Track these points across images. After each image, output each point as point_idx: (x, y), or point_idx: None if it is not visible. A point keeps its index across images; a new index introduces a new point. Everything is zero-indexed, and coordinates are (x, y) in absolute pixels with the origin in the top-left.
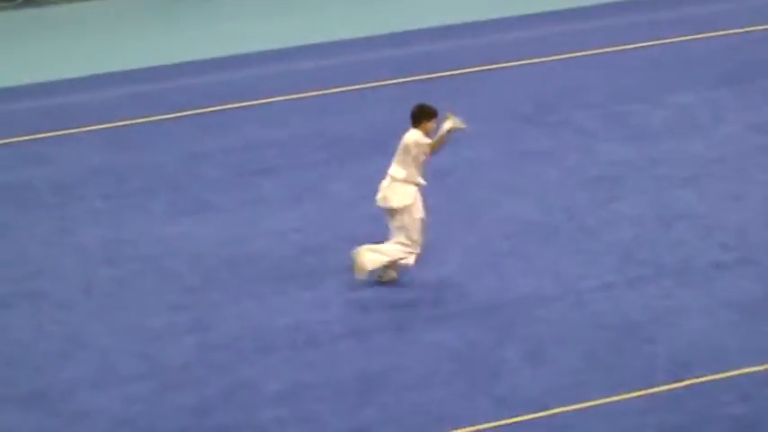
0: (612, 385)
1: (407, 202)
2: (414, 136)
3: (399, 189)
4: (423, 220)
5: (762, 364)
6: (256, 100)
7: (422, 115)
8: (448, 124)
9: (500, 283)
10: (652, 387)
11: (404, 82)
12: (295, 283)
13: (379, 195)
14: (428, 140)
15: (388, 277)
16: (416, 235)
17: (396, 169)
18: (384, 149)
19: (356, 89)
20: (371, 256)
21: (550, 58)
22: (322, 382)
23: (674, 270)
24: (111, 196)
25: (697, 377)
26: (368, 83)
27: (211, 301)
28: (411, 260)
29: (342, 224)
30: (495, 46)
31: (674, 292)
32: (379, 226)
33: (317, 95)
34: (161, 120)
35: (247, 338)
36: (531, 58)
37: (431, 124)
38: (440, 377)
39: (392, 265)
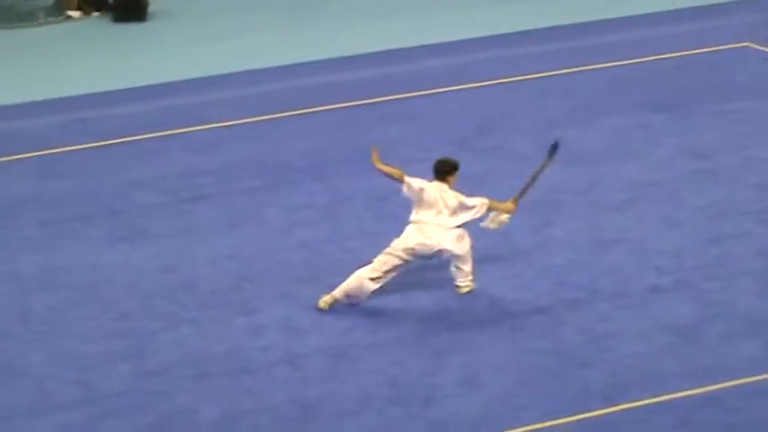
0: (548, 410)
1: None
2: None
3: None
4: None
5: (698, 387)
6: (191, 126)
7: (445, 170)
8: (505, 218)
9: (435, 308)
10: (588, 411)
11: (339, 108)
12: (230, 310)
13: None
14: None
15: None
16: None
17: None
18: (319, 176)
19: (292, 115)
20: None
21: (484, 84)
22: (258, 409)
23: (609, 294)
24: (46, 224)
25: (633, 401)
26: (304, 109)
27: (147, 328)
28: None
29: (277, 251)
30: (428, 71)
31: (610, 315)
32: (312, 253)
33: (252, 122)
34: (96, 147)
35: (183, 365)
36: (464, 84)
37: (453, 178)
38: (375, 403)
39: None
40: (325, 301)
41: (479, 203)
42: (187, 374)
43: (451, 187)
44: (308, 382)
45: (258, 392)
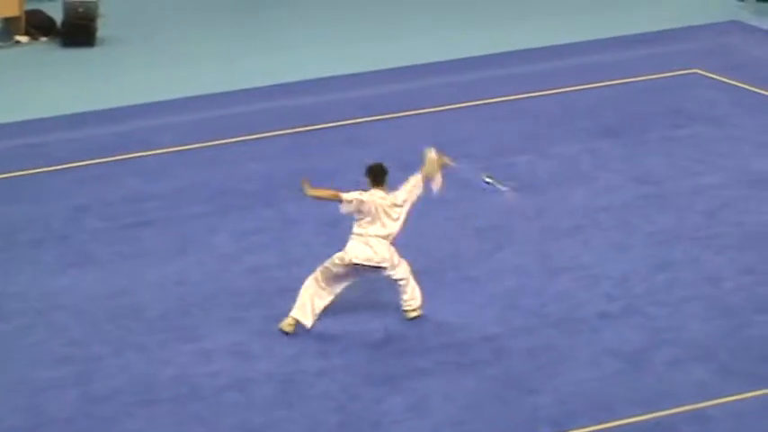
0: None
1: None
2: (391, 196)
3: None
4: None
5: (647, 414)
6: (139, 152)
7: (382, 174)
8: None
9: (385, 334)
10: None
11: (289, 133)
12: (178, 336)
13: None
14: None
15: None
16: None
17: (380, 229)
18: (268, 201)
19: (241, 141)
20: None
21: (434, 110)
22: None
23: (558, 320)
24: None
25: (582, 427)
26: (253, 134)
27: (95, 354)
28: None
29: (224, 276)
30: (379, 97)
31: (559, 341)
32: (261, 278)
33: (200, 147)
34: (44, 172)
35: (131, 391)
36: (416, 109)
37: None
38: (323, 430)
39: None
40: (288, 324)
41: (413, 183)
42: (134, 400)
43: (386, 189)
44: (256, 408)
45: (206, 418)
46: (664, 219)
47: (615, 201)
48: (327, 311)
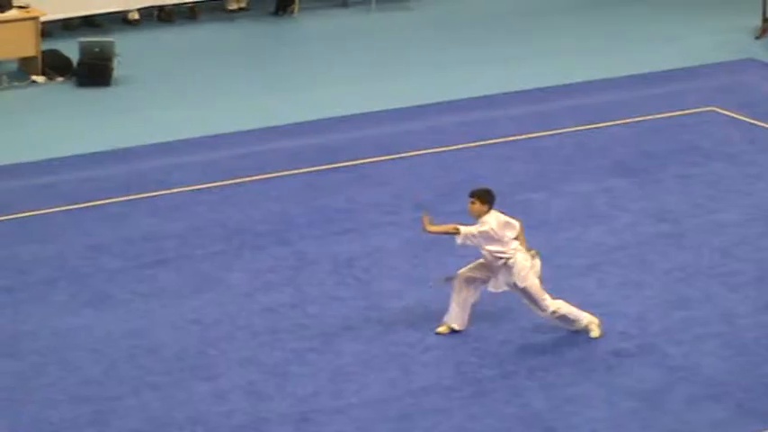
0: None
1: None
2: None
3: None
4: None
5: None
6: (155, 191)
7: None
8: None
9: (400, 373)
10: None
11: (303, 173)
12: (194, 375)
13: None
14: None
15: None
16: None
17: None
18: (283, 240)
19: (255, 180)
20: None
21: (447, 149)
22: None
23: (574, 359)
24: (11, 289)
25: None
26: (268, 173)
27: (111, 394)
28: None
29: (240, 315)
30: (392, 136)
31: (575, 380)
32: (276, 317)
33: (217, 186)
34: (59, 211)
35: (147, 431)
36: (430, 148)
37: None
38: None
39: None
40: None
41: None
42: None
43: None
44: None
45: None
46: (680, 256)
47: (631, 239)
48: (340, 353)
